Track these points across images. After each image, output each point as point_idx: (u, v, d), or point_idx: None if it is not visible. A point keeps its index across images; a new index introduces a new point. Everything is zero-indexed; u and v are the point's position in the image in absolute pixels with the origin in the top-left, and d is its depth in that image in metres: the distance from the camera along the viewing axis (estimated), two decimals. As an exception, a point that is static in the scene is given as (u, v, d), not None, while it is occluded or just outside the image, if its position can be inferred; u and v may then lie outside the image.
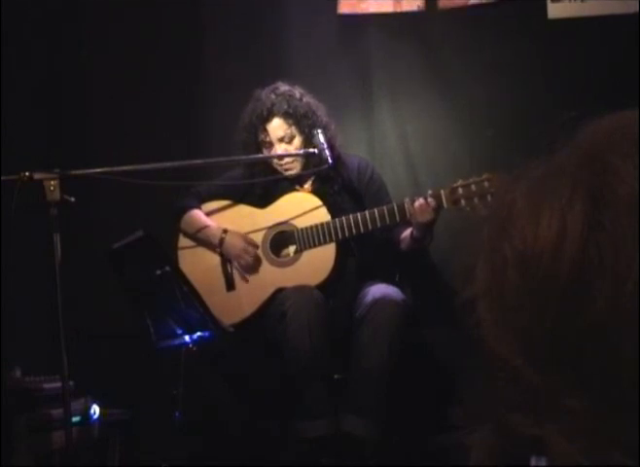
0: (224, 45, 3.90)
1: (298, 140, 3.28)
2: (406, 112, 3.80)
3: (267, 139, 3.29)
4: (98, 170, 2.84)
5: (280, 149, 3.29)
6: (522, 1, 3.63)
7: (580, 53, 3.53)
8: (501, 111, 3.64)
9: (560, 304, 0.55)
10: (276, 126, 3.28)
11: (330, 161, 3.15)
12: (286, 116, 3.27)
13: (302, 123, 3.27)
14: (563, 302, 0.55)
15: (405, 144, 3.78)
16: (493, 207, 0.62)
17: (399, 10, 3.76)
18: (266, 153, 3.32)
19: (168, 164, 3.09)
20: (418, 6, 3.74)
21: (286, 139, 3.28)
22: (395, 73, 3.78)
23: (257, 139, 3.30)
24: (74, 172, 2.75)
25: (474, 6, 3.69)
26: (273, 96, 3.29)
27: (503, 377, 0.58)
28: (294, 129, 3.28)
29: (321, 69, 3.78)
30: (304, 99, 3.31)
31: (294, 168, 3.32)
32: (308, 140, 3.27)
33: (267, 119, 3.27)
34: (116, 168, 2.85)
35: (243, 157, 3.38)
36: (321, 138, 3.21)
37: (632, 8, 3.48)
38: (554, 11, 3.60)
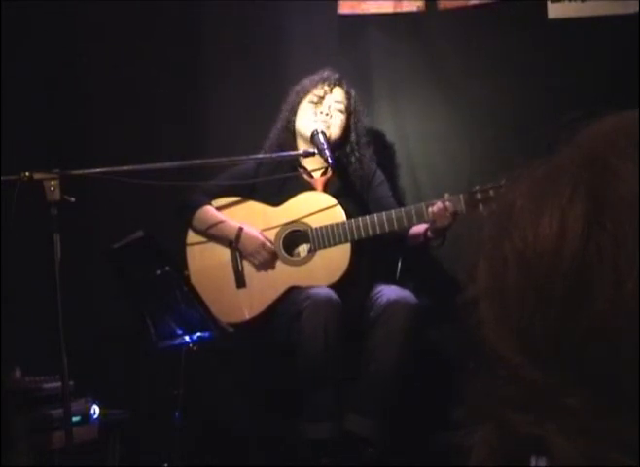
0: (223, 45, 3.90)
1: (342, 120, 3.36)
2: (406, 112, 3.80)
3: (322, 97, 3.35)
4: (98, 170, 2.83)
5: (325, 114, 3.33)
6: (522, 1, 3.63)
7: (580, 53, 3.53)
8: (501, 111, 3.64)
9: (561, 303, 0.55)
10: (338, 95, 3.37)
11: (330, 160, 3.14)
12: (347, 92, 3.39)
13: (353, 105, 3.39)
14: (564, 301, 0.55)
15: (405, 144, 3.78)
16: (494, 207, 0.62)
17: (399, 10, 3.76)
18: (312, 109, 3.35)
19: (168, 164, 3.09)
20: (418, 6, 3.74)
21: (338, 110, 3.36)
22: (395, 73, 3.78)
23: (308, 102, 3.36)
24: (74, 172, 2.75)
25: (474, 6, 3.69)
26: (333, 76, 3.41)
27: (503, 375, 0.58)
28: (344, 112, 3.37)
29: (321, 69, 3.78)
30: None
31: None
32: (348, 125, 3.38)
33: (334, 85, 3.36)
34: (116, 168, 2.84)
35: (243, 156, 3.39)
36: (321, 138, 3.22)
37: (632, 8, 3.48)
38: (554, 11, 3.60)
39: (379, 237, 3.20)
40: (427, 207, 3.11)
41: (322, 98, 3.34)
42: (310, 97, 3.36)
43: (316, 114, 3.33)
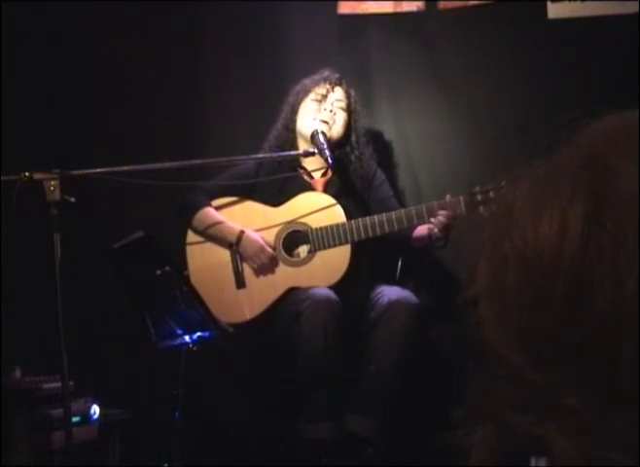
0: (223, 45, 3.90)
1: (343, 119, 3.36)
2: (406, 112, 3.80)
3: (324, 94, 3.36)
4: (98, 170, 2.83)
5: (326, 114, 3.33)
6: (522, 1, 3.63)
7: (580, 53, 3.53)
8: (501, 111, 3.64)
9: (561, 303, 0.55)
10: (339, 93, 3.37)
11: (330, 161, 3.14)
12: (347, 92, 3.40)
13: (354, 104, 3.41)
14: (564, 301, 0.55)
15: (404, 144, 3.78)
16: (494, 207, 0.62)
17: (399, 10, 3.76)
18: (314, 112, 3.35)
19: (168, 164, 3.09)
20: (418, 6, 3.74)
21: (340, 108, 3.36)
22: (395, 73, 3.78)
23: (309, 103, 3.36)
24: (74, 172, 2.75)
25: (473, 6, 3.69)
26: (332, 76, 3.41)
27: (503, 375, 0.58)
28: (346, 110, 3.38)
29: (321, 69, 3.78)
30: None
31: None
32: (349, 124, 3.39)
33: (335, 84, 3.37)
34: (116, 168, 2.84)
35: (243, 156, 3.39)
36: (321, 138, 3.22)
37: (632, 8, 3.47)
38: (554, 11, 3.60)
39: (380, 238, 3.20)
40: (427, 208, 3.11)
41: (325, 96, 3.35)
42: (313, 96, 3.36)
43: (320, 111, 3.34)
